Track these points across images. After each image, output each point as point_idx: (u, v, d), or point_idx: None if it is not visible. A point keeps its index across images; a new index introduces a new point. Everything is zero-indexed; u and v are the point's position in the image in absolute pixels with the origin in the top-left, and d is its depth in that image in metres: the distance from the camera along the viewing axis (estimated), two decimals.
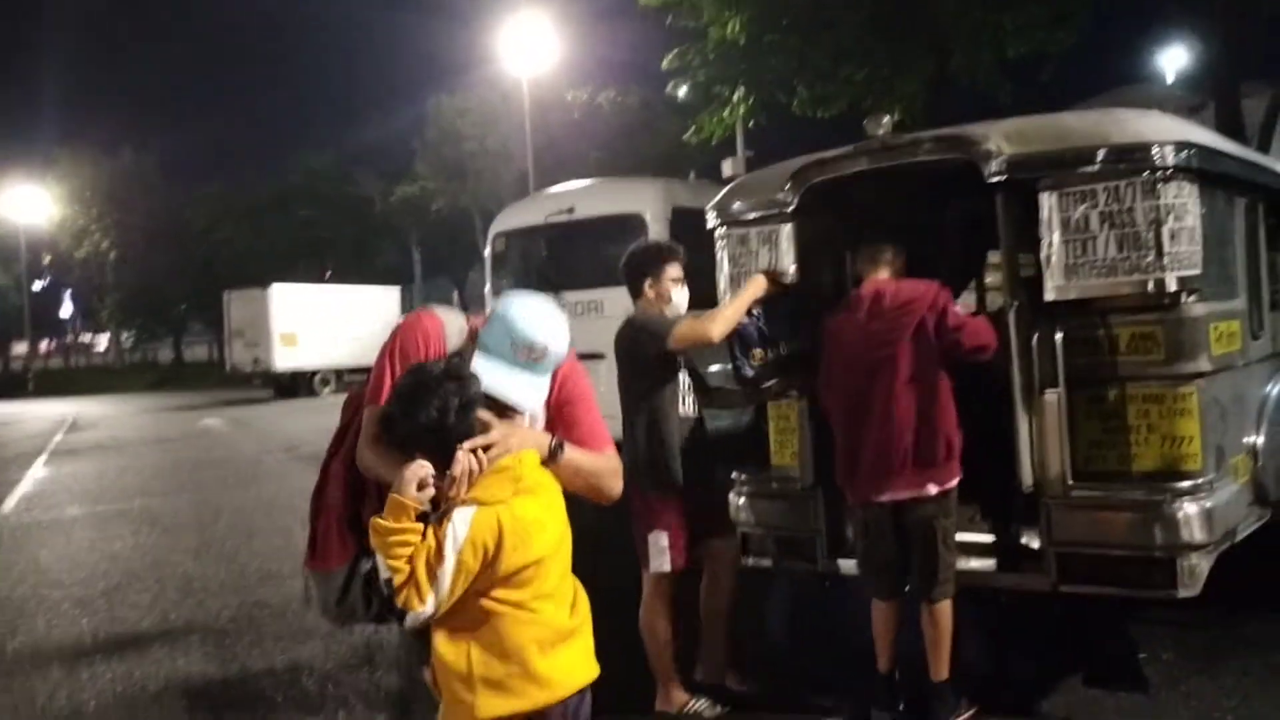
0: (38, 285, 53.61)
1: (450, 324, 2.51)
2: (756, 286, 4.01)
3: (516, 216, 10.23)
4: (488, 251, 10.35)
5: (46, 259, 51.25)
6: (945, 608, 3.60)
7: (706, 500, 4.03)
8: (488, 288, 10.37)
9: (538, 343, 2.32)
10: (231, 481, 11.60)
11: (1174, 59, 34.56)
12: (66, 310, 64.15)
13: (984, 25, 13.95)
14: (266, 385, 27.94)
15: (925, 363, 3.58)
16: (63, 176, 44.55)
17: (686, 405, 4.02)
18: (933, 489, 3.57)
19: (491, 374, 2.27)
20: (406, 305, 31.38)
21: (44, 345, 64.02)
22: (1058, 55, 14.97)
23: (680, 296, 4.07)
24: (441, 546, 2.08)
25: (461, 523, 2.10)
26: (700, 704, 3.89)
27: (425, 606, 2.08)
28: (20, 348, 55.47)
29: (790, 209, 4.23)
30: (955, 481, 3.63)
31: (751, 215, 4.40)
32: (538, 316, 2.36)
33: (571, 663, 2.22)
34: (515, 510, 2.14)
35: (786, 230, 4.27)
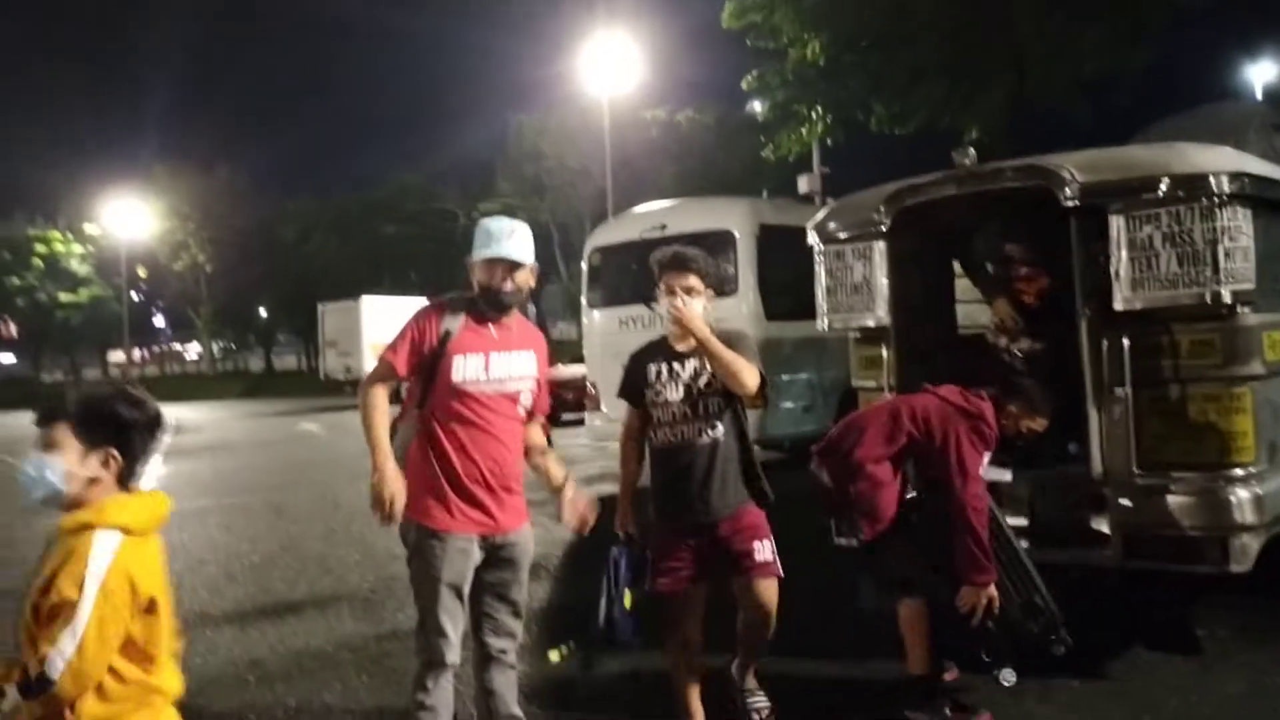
0: (136, 297, 55.99)
1: (447, 317, 3.29)
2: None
3: (611, 233, 10.91)
4: (584, 265, 11.03)
5: (143, 272, 53.69)
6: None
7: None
8: (584, 299, 11.06)
9: (505, 226, 3.32)
10: (343, 477, 12.43)
11: (1261, 74, 34.06)
12: (160, 320, 66.79)
13: (1062, 38, 14.17)
14: (356, 393, 29.03)
15: None
16: (162, 191, 46.62)
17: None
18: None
19: (481, 251, 3.27)
20: None
21: (138, 354, 66.80)
22: (1134, 74, 15.18)
23: (663, 307, 3.52)
24: None
25: None
26: None
27: None
28: (118, 356, 58.06)
29: (884, 229, 4.78)
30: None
31: (847, 234, 4.96)
32: (500, 219, 3.40)
33: None
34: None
35: (880, 247, 4.83)
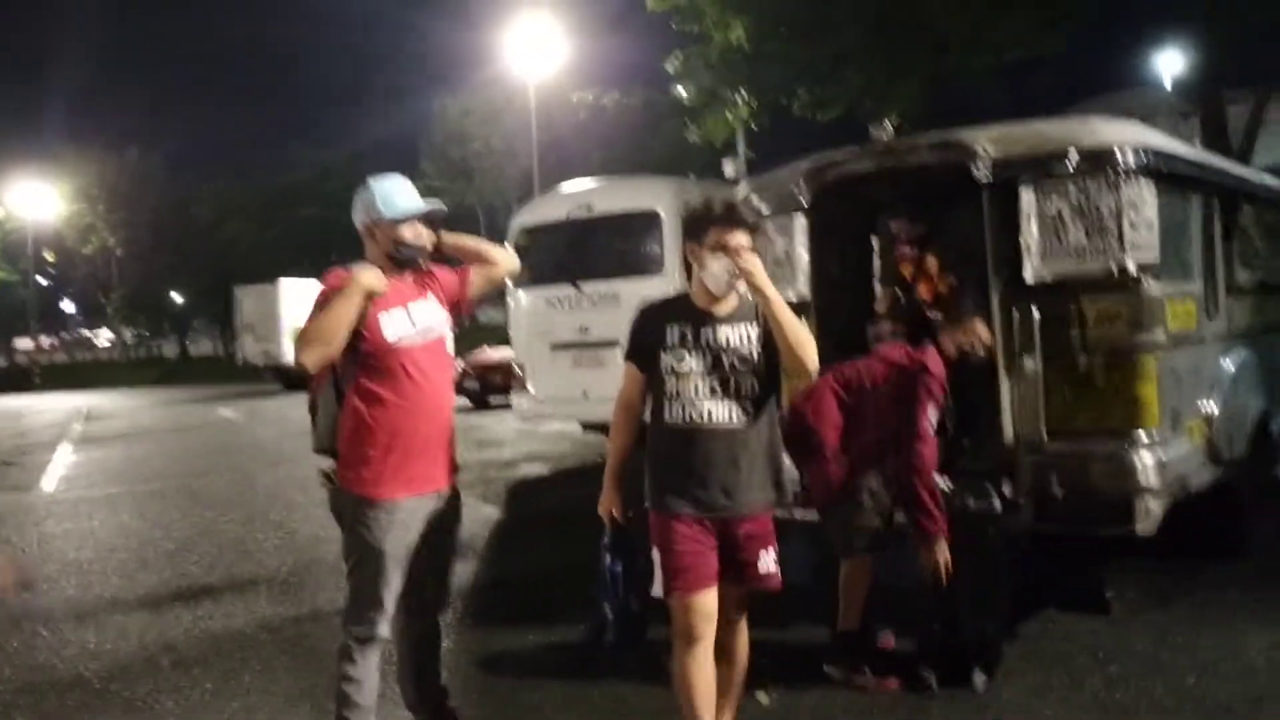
0: (43, 282, 54.02)
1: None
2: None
3: (537, 212, 10.82)
4: (509, 245, 10.94)
5: (50, 256, 51.81)
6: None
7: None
8: (509, 282, 10.95)
9: (404, 182, 3.32)
10: (261, 462, 12.18)
11: (1170, 65, 35.20)
12: (70, 306, 64.57)
13: (980, 26, 14.49)
14: (275, 379, 28.49)
15: None
16: (70, 173, 45.05)
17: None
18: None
19: (398, 209, 3.22)
20: None
21: (46, 341, 64.50)
22: (1051, 60, 15.60)
23: (718, 267, 2.94)
24: None
25: None
26: None
27: None
28: (24, 343, 56.01)
29: (804, 203, 4.83)
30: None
31: (768, 208, 5.00)
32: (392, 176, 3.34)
33: None
34: None
35: (800, 222, 4.88)
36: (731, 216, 2.99)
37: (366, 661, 3.21)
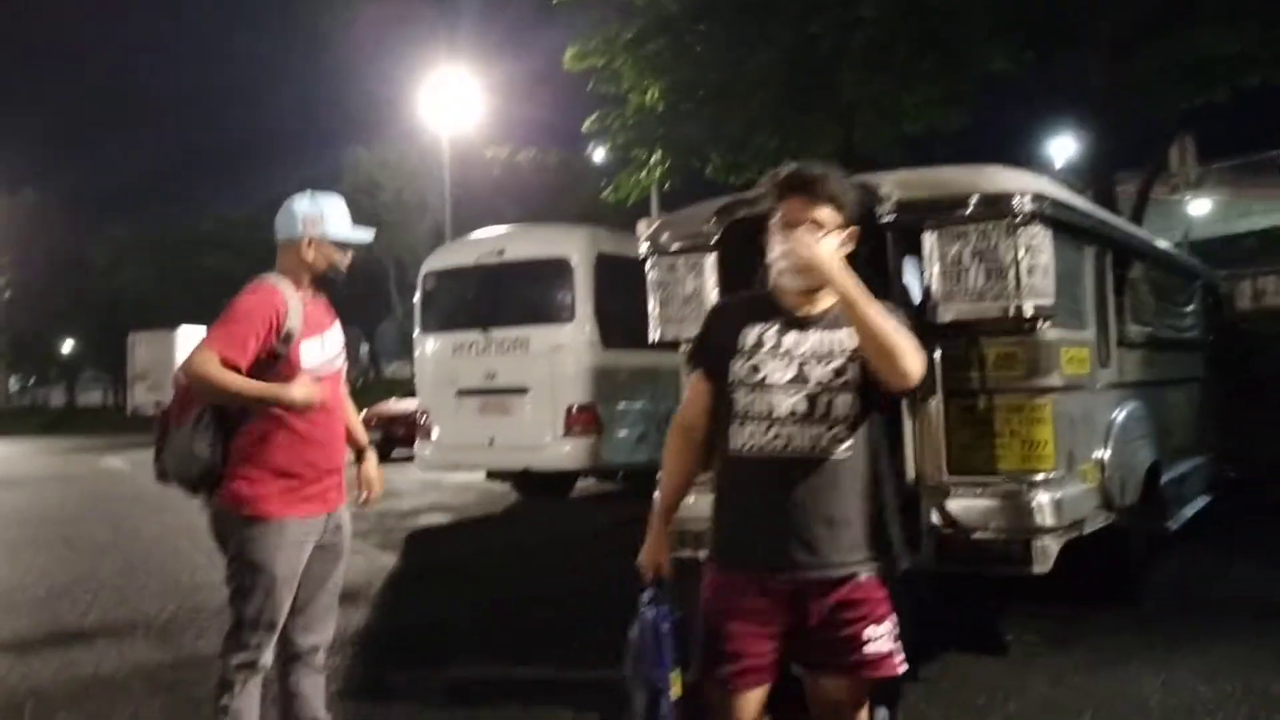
0: None
1: (291, 300, 3.09)
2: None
3: (447, 257, 10.74)
4: (418, 292, 10.79)
5: None
6: None
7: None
8: (416, 328, 10.78)
9: (344, 206, 3.25)
10: (144, 510, 11.59)
11: (1062, 147, 37.12)
12: None
13: (884, 101, 15.08)
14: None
15: None
16: None
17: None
18: None
19: (340, 231, 3.16)
20: None
21: None
22: (952, 134, 16.26)
23: (779, 250, 2.34)
24: None
25: None
26: None
27: None
28: None
29: (715, 240, 4.85)
30: None
31: (678, 245, 5.01)
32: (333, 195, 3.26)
33: None
34: None
35: (710, 260, 4.90)
36: (799, 183, 2.30)
37: (247, 693, 3.03)
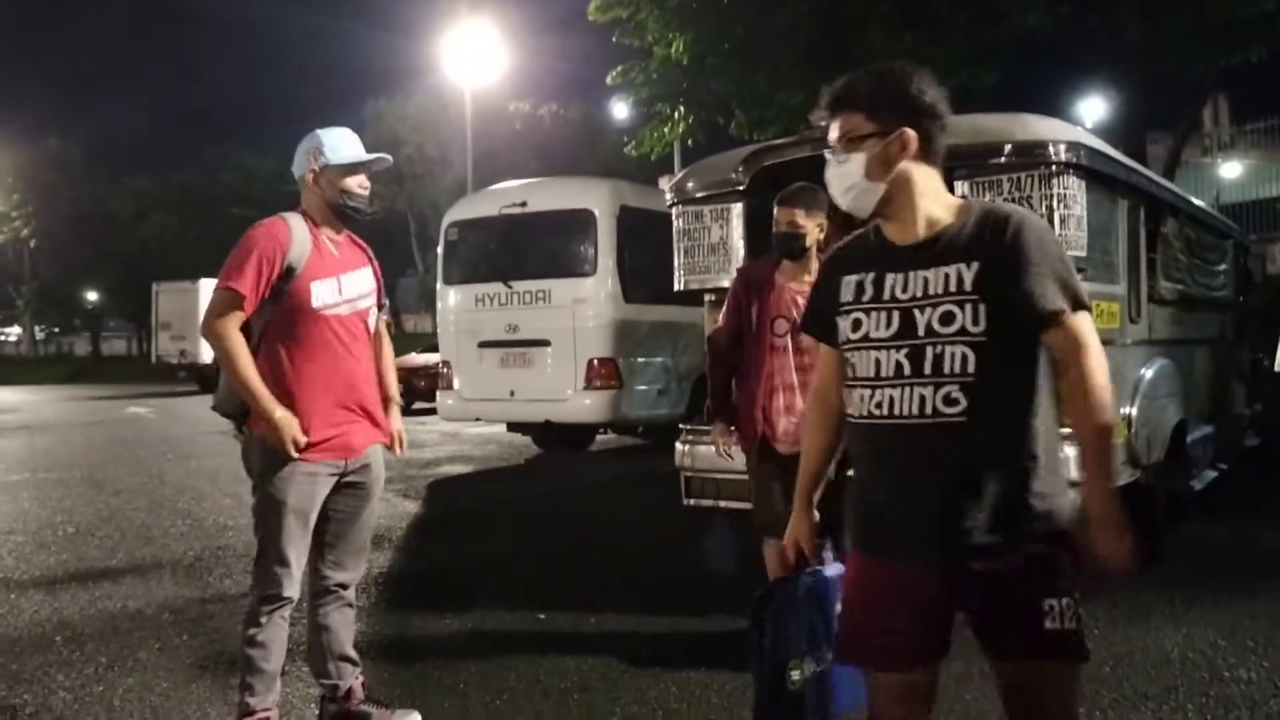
0: None
1: (297, 233, 3.10)
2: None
3: (470, 208, 10.70)
4: (440, 242, 10.78)
5: None
6: None
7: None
8: (439, 280, 10.78)
9: (352, 133, 3.24)
10: (171, 456, 11.76)
11: (1092, 107, 36.57)
12: None
13: (915, 58, 14.81)
14: (191, 379, 27.67)
15: None
16: None
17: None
18: None
19: (346, 154, 3.16)
20: None
21: None
22: (984, 92, 16.01)
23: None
24: None
25: None
26: None
27: None
28: None
29: (742, 189, 4.81)
30: None
31: (704, 193, 4.97)
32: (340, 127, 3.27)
33: None
34: None
35: (737, 208, 4.86)
36: (831, 100, 2.06)
37: (273, 624, 3.06)
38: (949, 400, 1.90)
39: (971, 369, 1.89)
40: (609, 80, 16.73)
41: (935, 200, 1.99)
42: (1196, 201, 6.92)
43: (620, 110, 19.50)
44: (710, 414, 4.08)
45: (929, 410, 1.92)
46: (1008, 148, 4.18)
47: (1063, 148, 4.12)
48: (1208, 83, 17.24)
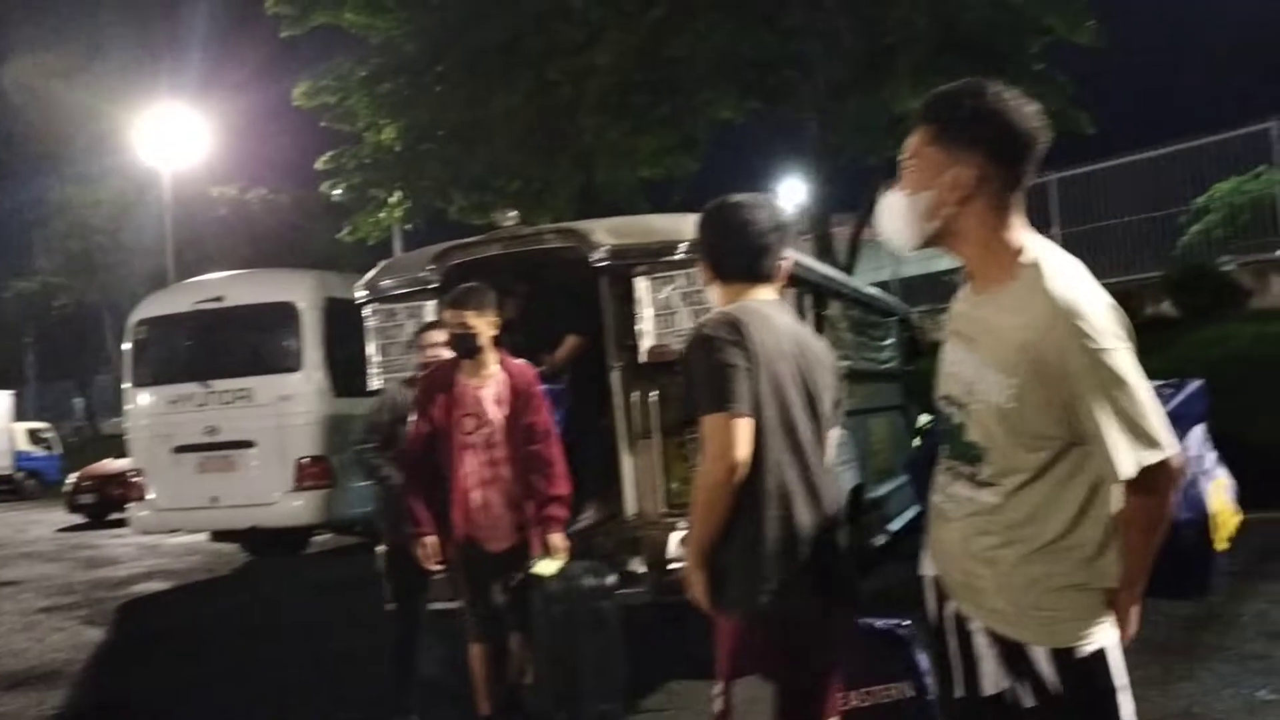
0: None
1: None
2: None
3: (160, 304, 10.00)
4: (128, 342, 9.99)
5: None
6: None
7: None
8: (127, 381, 9.96)
9: None
10: None
11: (793, 190, 39.62)
12: None
13: (620, 146, 15.51)
14: None
15: None
16: None
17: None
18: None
19: None
20: (21, 412, 28.13)
21: None
22: (686, 179, 16.99)
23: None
24: None
25: None
26: None
27: None
28: None
29: (434, 286, 4.82)
30: None
31: (398, 291, 4.94)
32: None
33: None
34: None
35: (430, 305, 4.85)
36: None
37: None
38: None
39: None
40: (318, 165, 16.33)
41: None
42: (861, 285, 7.64)
43: (333, 193, 19.03)
44: (416, 526, 3.93)
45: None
46: (681, 246, 4.45)
47: None
48: (881, 170, 19.16)
